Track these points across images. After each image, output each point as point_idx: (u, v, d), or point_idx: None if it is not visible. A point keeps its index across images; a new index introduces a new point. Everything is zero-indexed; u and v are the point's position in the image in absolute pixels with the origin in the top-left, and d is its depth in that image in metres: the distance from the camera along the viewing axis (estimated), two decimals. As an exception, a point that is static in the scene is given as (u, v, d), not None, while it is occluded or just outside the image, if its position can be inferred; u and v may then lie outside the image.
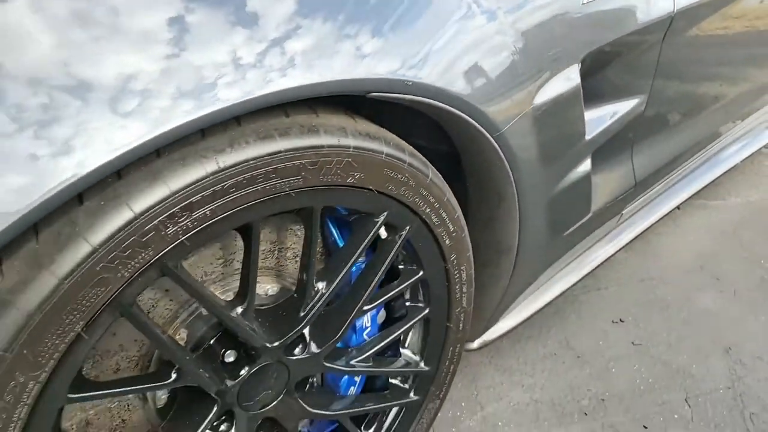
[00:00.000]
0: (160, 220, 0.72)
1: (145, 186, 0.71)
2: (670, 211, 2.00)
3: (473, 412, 1.56)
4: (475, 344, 1.53)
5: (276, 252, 1.04)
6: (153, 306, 0.91)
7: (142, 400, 0.99)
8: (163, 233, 0.73)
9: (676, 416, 1.52)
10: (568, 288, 1.67)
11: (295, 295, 1.00)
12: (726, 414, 1.52)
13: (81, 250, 0.68)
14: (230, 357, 0.98)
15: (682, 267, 2.02)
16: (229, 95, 0.72)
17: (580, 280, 1.69)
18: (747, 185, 2.43)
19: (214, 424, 1.00)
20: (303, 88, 0.76)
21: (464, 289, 1.20)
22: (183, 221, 0.74)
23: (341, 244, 1.09)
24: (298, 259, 1.07)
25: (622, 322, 1.81)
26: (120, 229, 0.70)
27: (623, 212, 1.76)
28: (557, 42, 1.11)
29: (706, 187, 2.12)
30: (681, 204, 2.26)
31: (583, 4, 1.16)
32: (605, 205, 1.60)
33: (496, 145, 1.05)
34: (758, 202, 2.33)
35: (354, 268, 1.05)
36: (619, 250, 1.81)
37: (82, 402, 0.83)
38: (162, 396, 1.00)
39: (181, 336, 0.98)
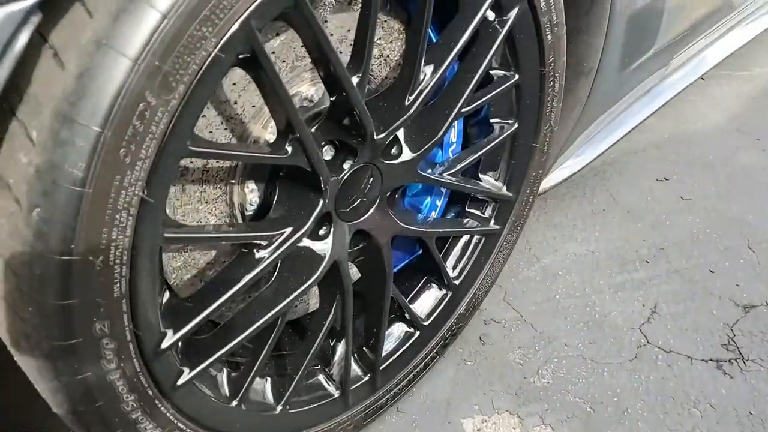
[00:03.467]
0: None
1: None
2: (695, 81, 1.95)
3: (530, 264, 1.50)
4: (534, 191, 1.47)
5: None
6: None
7: (229, 206, 0.88)
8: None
9: (741, 260, 1.49)
10: (615, 142, 1.62)
11: (400, 81, 0.90)
12: (789, 256, 1.50)
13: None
14: (328, 153, 0.88)
15: (718, 129, 1.98)
16: None
17: (626, 134, 1.63)
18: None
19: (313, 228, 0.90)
20: None
21: (554, 103, 1.12)
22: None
23: (435, 40, 0.99)
24: (383, 58, 0.96)
25: (667, 180, 1.77)
26: None
27: (671, 62, 1.69)
28: None
29: (729, 57, 2.07)
30: (705, 75, 2.22)
31: None
32: (662, 46, 1.53)
33: None
34: (783, 71, 2.31)
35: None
36: (659, 109, 1.75)
37: (199, 158, 0.72)
38: (252, 199, 0.89)
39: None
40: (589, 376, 1.21)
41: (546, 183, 1.55)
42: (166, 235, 0.68)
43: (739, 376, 1.20)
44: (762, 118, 2.03)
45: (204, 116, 0.79)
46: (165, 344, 0.72)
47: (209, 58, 0.60)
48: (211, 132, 0.81)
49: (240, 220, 0.90)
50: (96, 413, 0.68)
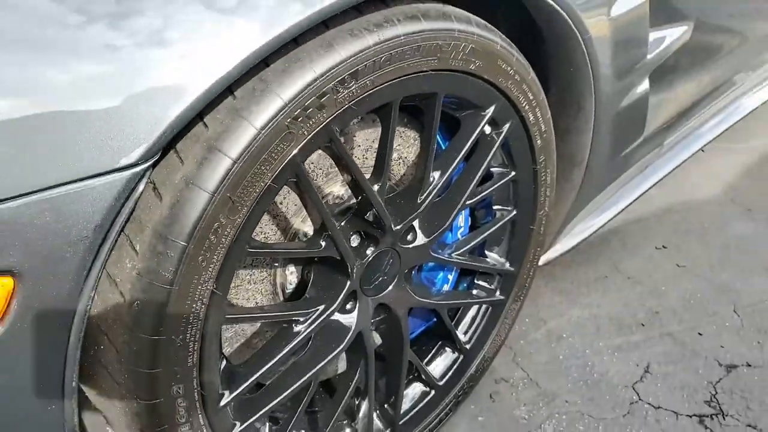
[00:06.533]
0: (334, 84, 0.81)
1: (322, 52, 0.80)
2: (694, 154, 2.12)
3: (537, 327, 1.66)
4: (540, 261, 1.64)
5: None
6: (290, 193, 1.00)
7: (273, 286, 1.08)
8: (335, 97, 0.82)
9: (727, 324, 1.63)
10: (616, 214, 1.78)
11: (414, 183, 1.10)
12: (773, 320, 1.64)
13: (274, 103, 0.77)
14: (355, 241, 1.07)
15: (713, 200, 2.14)
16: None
17: (627, 206, 1.80)
18: (766, 130, 2.57)
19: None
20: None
21: (547, 193, 1.30)
22: (351, 87, 0.83)
23: (444, 147, 1.19)
24: (402, 160, 1.16)
25: (665, 248, 1.93)
26: (305, 87, 0.79)
27: (665, 143, 1.87)
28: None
29: (727, 130, 2.24)
30: (705, 147, 2.39)
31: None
32: (651, 134, 1.71)
33: (584, 48, 1.15)
34: (779, 142, 2.47)
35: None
36: (658, 182, 1.92)
37: (254, 256, 0.92)
38: (292, 280, 1.08)
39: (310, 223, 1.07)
40: (586, 430, 1.36)
41: (553, 252, 1.72)
42: (227, 316, 0.87)
43: (718, 430, 1.33)
44: (754, 189, 2.18)
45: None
46: (223, 402, 0.91)
47: (266, 187, 0.81)
48: (260, 227, 1.01)
49: (281, 298, 1.09)
50: (168, 459, 0.86)
